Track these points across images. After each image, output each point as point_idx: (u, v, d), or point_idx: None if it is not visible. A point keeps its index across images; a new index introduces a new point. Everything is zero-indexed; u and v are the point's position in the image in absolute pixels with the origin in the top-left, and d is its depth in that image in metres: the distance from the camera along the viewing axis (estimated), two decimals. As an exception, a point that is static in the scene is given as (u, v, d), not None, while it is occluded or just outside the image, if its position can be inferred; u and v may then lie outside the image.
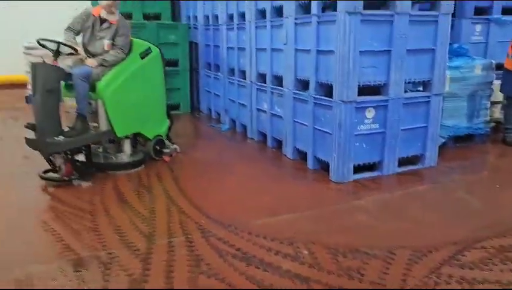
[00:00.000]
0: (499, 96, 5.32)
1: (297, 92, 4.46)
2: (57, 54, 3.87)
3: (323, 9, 4.05)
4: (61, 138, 3.75)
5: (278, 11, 4.76)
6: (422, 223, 3.17)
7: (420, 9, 4.33)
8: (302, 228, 3.05)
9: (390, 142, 4.04)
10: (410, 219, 3.24)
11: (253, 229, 3.00)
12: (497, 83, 5.12)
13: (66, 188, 3.79)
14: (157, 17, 7.61)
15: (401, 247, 2.78)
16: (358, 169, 4.03)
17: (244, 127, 5.88)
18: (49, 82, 3.69)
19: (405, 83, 4.00)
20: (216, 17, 6.54)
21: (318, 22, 4.01)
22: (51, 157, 3.88)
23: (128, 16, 7.31)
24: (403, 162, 4.23)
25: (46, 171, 3.96)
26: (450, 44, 4.87)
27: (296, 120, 4.54)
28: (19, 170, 4.31)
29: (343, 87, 3.73)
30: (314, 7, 4.01)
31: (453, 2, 4.05)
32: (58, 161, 3.86)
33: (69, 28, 4.19)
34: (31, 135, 3.84)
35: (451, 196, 3.70)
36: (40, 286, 2.37)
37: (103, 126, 4.15)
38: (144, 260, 2.63)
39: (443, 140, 4.79)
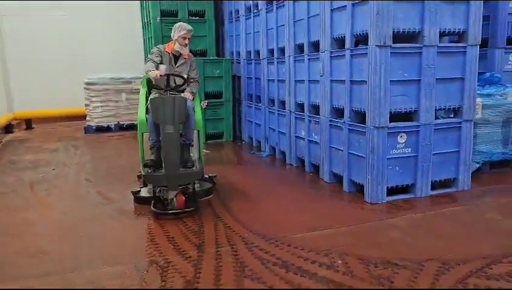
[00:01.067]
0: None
1: (333, 119, 4.79)
2: (168, 87, 4.10)
3: (356, 44, 4.40)
4: (182, 169, 3.94)
5: (315, 46, 5.17)
6: (452, 240, 3.35)
7: (450, 41, 4.61)
8: (337, 242, 3.32)
9: (423, 165, 4.26)
10: (441, 236, 3.43)
11: (292, 242, 3.31)
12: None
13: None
14: (203, 53, 8.24)
15: (430, 260, 2.99)
16: (392, 191, 4.26)
17: (284, 153, 6.23)
18: (183, 114, 3.90)
19: (436, 109, 4.25)
20: (258, 52, 7.04)
21: (351, 55, 4.36)
22: (154, 189, 3.99)
23: (176, 53, 8.00)
24: (436, 185, 4.42)
25: (139, 200, 4.24)
26: (483, 73, 5.10)
27: (332, 146, 4.85)
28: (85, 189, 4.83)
29: (375, 114, 4.03)
30: (348, 42, 4.38)
31: (480, 34, 4.30)
32: (171, 193, 3.88)
33: (150, 60, 4.33)
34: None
35: (483, 216, 3.85)
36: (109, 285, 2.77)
37: (196, 155, 4.60)
38: (195, 265, 2.99)
39: (477, 165, 4.94)
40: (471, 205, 4.13)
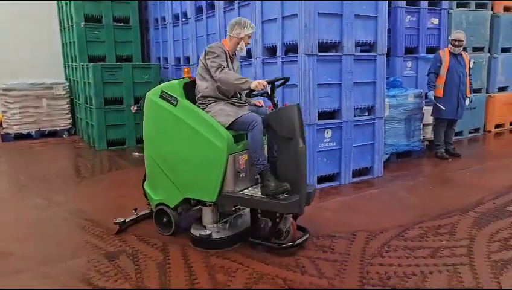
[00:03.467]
0: (429, 119, 6.46)
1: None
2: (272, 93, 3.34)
3: (286, 52, 4.99)
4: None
5: (247, 53, 5.67)
6: (374, 215, 4.05)
7: (362, 50, 5.41)
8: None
9: (345, 157, 4.97)
10: (365, 213, 4.12)
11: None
12: (427, 108, 6.26)
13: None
14: (128, 59, 8.35)
15: (360, 230, 3.63)
16: (320, 180, 4.90)
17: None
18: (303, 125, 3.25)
19: (354, 108, 4.98)
20: (187, 58, 7.38)
21: (282, 62, 4.94)
22: (259, 219, 3.30)
23: (102, 59, 8.05)
24: (356, 173, 5.16)
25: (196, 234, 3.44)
26: (388, 77, 5.99)
27: (266, 143, 5.38)
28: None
29: (306, 113, 4.63)
30: (279, 50, 4.95)
31: (386, 44, 5.13)
32: (288, 222, 3.27)
33: (222, 66, 3.31)
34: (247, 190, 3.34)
35: (395, 195, 4.64)
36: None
37: None
38: (163, 250, 3.31)
39: (387, 156, 5.80)
40: (386, 188, 4.92)
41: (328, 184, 4.95)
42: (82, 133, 8.62)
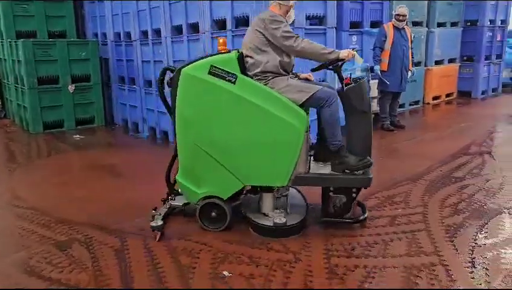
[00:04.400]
0: (375, 92, 6.61)
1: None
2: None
3: (236, 26, 4.84)
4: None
5: (194, 28, 5.44)
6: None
7: (311, 24, 5.37)
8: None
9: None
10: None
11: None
12: (373, 82, 6.40)
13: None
14: (62, 35, 7.76)
15: (320, 204, 3.64)
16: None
17: (165, 132, 6.40)
18: None
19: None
20: (128, 33, 6.98)
21: (233, 36, 4.79)
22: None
23: (33, 34, 7.42)
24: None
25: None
26: (335, 52, 6.02)
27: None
28: None
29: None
30: (229, 23, 4.79)
31: (335, 19, 5.13)
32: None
33: (296, 35, 3.03)
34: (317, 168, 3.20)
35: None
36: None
37: None
38: (119, 236, 3.13)
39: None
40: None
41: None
42: (13, 116, 7.97)
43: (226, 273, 2.64)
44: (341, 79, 3.07)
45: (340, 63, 3.02)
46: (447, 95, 8.98)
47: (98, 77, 7.61)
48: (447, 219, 3.34)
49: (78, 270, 2.71)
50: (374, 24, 7.00)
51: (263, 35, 3.00)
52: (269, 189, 3.19)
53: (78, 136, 6.80)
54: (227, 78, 2.91)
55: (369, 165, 3.07)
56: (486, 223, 3.25)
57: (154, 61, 6.36)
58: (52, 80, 7.11)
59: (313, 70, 3.31)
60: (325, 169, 3.15)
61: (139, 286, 2.54)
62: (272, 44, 3.00)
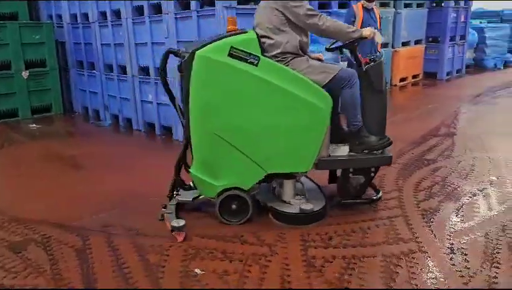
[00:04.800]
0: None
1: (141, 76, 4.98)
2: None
3: (201, 6, 4.58)
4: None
5: (156, 8, 5.14)
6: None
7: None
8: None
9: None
10: None
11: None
12: (342, 64, 6.28)
13: None
14: (13, 17, 7.22)
15: (293, 191, 3.51)
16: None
17: (129, 120, 6.10)
18: None
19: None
20: (85, 15, 6.56)
21: (198, 17, 4.53)
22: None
23: (-20, 16, 6.87)
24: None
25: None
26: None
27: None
28: None
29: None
30: (193, 3, 4.52)
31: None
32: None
33: (320, 13, 2.94)
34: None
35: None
36: (-16, 271, 2.48)
37: None
38: (80, 234, 2.89)
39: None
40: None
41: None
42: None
43: (198, 271, 2.47)
44: (356, 58, 3.00)
45: (356, 43, 2.93)
46: (414, 77, 9.04)
47: (54, 62, 7.16)
48: (422, 203, 3.28)
49: (35, 274, 2.46)
50: (342, 5, 6.88)
51: (283, 14, 2.83)
52: (290, 176, 3.06)
53: (34, 125, 6.40)
54: (249, 60, 2.69)
55: (390, 144, 3.09)
56: (461, 207, 3.21)
57: (115, 44, 6.00)
58: (3, 66, 6.63)
59: (328, 49, 3.26)
60: (341, 151, 3.10)
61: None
62: (291, 23, 2.85)
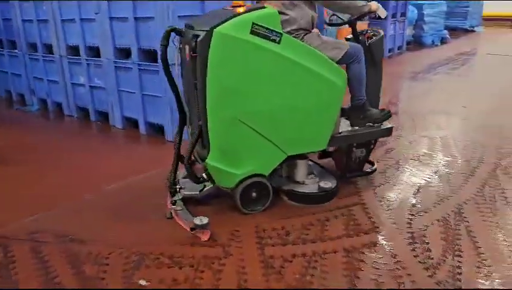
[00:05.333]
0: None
1: (119, 60, 4.48)
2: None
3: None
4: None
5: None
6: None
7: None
8: (158, 183, 3.25)
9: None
10: None
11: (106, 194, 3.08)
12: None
13: None
14: None
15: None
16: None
17: (59, 104, 5.53)
18: None
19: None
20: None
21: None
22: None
23: None
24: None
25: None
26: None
27: (121, 89, 4.56)
28: None
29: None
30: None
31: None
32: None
33: None
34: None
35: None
36: None
37: None
38: (1, 246, 2.48)
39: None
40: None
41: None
42: None
43: (142, 282, 2.18)
44: (356, 34, 3.04)
45: (362, 18, 3.02)
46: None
47: (-34, 41, 6.32)
48: (379, 189, 3.16)
49: None
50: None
51: None
52: (303, 156, 3.01)
53: None
54: (271, 38, 2.49)
55: (390, 116, 3.16)
56: (418, 191, 3.13)
57: (38, 20, 5.35)
58: None
59: (330, 24, 3.30)
60: (345, 126, 3.13)
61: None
62: None
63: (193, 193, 2.87)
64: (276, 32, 2.50)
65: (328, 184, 2.98)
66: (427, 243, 2.48)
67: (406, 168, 3.53)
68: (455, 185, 3.21)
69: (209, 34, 2.41)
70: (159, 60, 3.31)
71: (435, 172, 3.44)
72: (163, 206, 2.83)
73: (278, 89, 2.63)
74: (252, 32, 2.45)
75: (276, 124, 2.70)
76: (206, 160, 2.69)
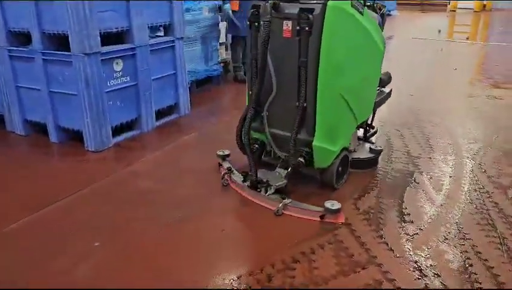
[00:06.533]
0: (224, 37, 5.62)
1: (15, 48, 3.47)
2: None
3: None
4: None
5: None
6: (204, 171, 3.04)
7: None
8: (81, 216, 2.44)
9: (145, 95, 3.68)
10: (188, 164, 3.09)
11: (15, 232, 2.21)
12: (221, 24, 5.36)
13: None
14: None
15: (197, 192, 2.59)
16: (116, 131, 3.54)
17: None
18: None
19: (148, 27, 3.65)
20: None
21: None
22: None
23: None
24: (159, 114, 3.96)
25: None
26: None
27: (20, 85, 3.56)
28: None
29: (83, 37, 3.06)
30: None
31: None
32: None
33: None
34: None
35: (217, 138, 3.69)
36: None
37: None
38: None
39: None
40: (203, 129, 3.91)
41: (126, 135, 3.62)
42: None
43: None
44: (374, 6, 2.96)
45: None
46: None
47: None
48: (359, 202, 2.66)
49: None
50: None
51: None
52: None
53: None
54: (359, 10, 2.51)
55: (391, 80, 3.28)
56: (402, 202, 2.67)
57: None
58: None
59: None
60: None
61: None
62: None
63: (280, 183, 2.64)
64: (361, 3, 2.52)
65: (378, 147, 3.12)
66: (439, 276, 2.01)
67: (380, 171, 3.08)
68: (439, 193, 2.81)
69: (324, 7, 2.35)
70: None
71: (411, 176, 3.02)
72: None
73: (364, 60, 2.68)
74: (352, 5, 2.44)
75: (358, 94, 2.71)
76: (313, 142, 2.58)
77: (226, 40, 5.76)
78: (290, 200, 2.50)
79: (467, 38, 9.74)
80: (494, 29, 12.05)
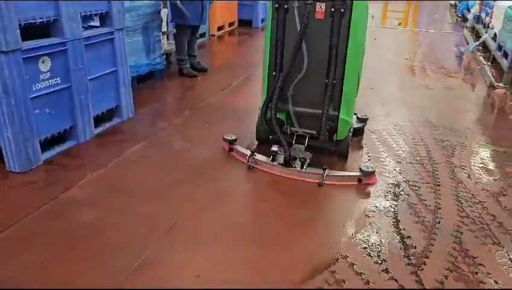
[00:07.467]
0: (165, 26, 5.04)
1: None
2: None
3: None
4: None
5: None
6: (150, 187, 2.53)
7: None
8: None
9: (80, 98, 3.05)
10: (141, 187, 2.56)
11: None
12: (163, 11, 4.76)
13: None
14: None
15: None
16: (46, 144, 2.89)
17: None
18: None
19: (81, 16, 3.00)
20: None
21: None
22: None
23: None
24: (98, 120, 3.35)
25: None
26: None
27: None
28: None
29: (-3, 31, 2.40)
30: None
31: None
32: None
33: None
34: None
35: (172, 145, 3.18)
36: None
37: None
38: None
39: (128, 83, 4.15)
40: (152, 136, 3.34)
41: (59, 149, 2.98)
42: None
43: None
44: None
45: None
46: (230, 25, 8.06)
47: None
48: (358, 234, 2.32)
49: None
50: None
51: None
52: None
53: None
54: None
55: None
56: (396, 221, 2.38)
57: None
58: None
59: None
60: None
61: None
62: None
63: (310, 156, 2.81)
64: None
65: (363, 116, 3.43)
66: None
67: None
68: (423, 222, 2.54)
69: None
70: None
71: (396, 182, 2.74)
72: None
73: (364, 39, 2.96)
74: None
75: (361, 71, 3.09)
76: (340, 115, 2.81)
77: (167, 29, 5.17)
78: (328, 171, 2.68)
79: (399, 24, 9.95)
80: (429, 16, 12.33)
